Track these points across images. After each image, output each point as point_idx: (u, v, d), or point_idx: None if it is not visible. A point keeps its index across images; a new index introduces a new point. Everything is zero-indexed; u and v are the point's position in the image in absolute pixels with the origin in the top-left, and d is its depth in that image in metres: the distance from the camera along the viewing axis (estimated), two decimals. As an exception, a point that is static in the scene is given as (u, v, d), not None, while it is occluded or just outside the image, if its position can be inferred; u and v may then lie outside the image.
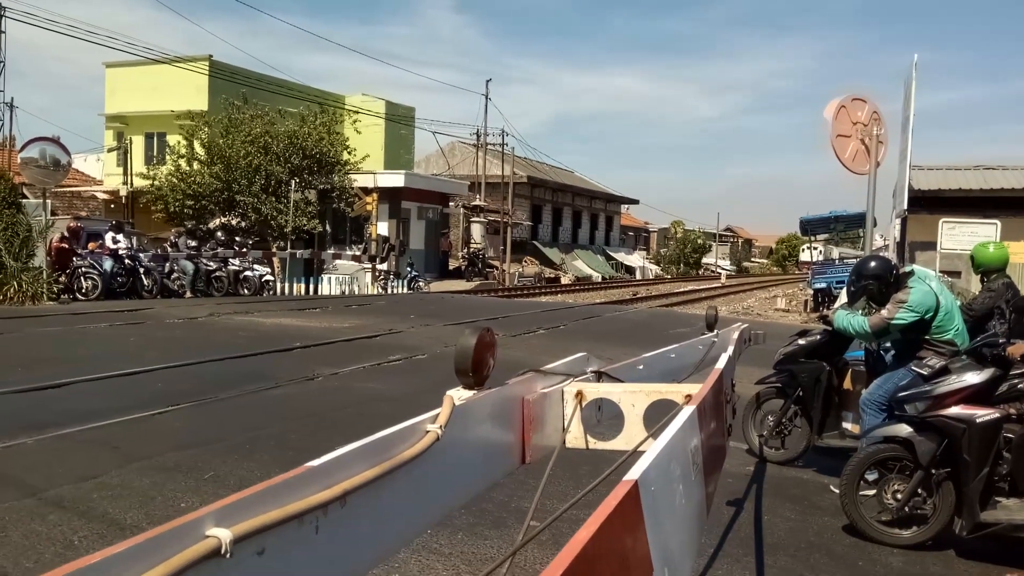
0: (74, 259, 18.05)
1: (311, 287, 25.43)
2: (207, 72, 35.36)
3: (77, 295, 17.63)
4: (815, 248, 75.50)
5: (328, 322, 14.47)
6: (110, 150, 38.88)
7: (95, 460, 5.57)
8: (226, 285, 21.74)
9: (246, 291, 22.05)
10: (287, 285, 24.85)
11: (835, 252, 72.99)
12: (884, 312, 5.77)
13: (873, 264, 6.17)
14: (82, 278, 17.84)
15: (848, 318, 6.05)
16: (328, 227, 33.58)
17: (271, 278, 23.50)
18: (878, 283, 5.93)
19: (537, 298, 32.22)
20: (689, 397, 2.46)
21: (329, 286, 26.27)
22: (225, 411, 7.35)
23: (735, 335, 4.65)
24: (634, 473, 1.49)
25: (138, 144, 37.68)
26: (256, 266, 23.12)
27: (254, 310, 16.12)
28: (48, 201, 18.08)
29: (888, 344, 6.20)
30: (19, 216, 16.06)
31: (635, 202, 77.23)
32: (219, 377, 8.70)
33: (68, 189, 34.60)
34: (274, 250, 27.07)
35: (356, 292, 26.20)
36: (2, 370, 8.54)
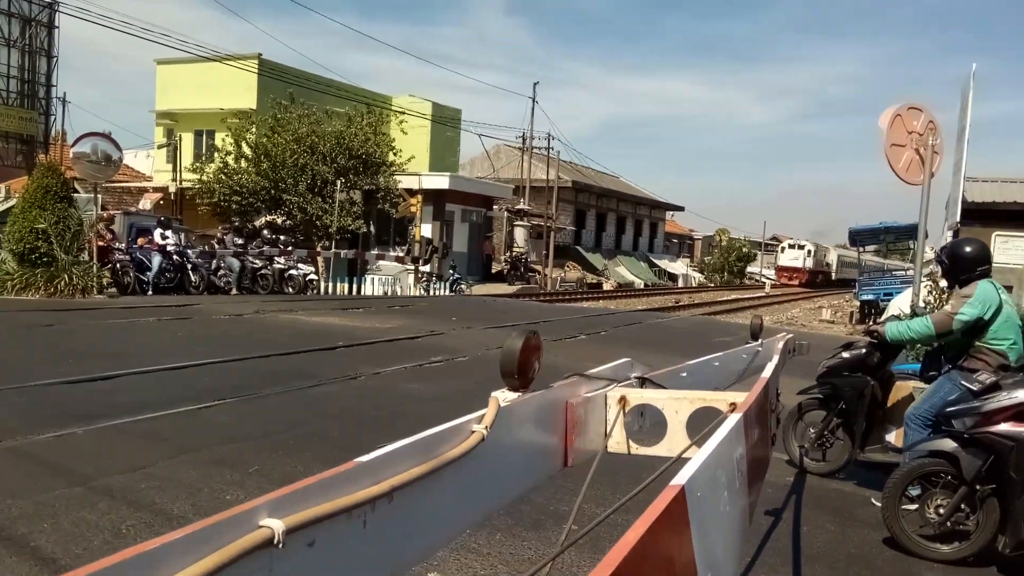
0: (115, 254, 18.35)
1: (354, 287, 25.67)
2: (256, 70, 35.83)
3: (130, 288, 17.95)
4: (801, 247, 69.25)
5: (371, 322, 14.60)
6: (160, 146, 39.60)
7: (143, 451, 5.69)
8: (271, 283, 22.08)
9: (290, 289, 22.35)
10: (331, 284, 25.09)
11: (832, 255, 67.78)
12: (948, 307, 5.69)
13: (969, 248, 5.80)
14: (120, 273, 18.07)
15: (904, 325, 5.93)
16: (372, 228, 33.85)
17: (315, 277, 23.78)
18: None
19: (579, 303, 32.17)
20: (733, 405, 2.45)
21: (372, 286, 26.51)
22: (270, 407, 7.46)
23: (780, 345, 4.61)
24: (681, 478, 1.50)
25: (187, 141, 38.35)
26: (300, 265, 23.42)
27: (298, 308, 16.32)
28: (99, 196, 18.41)
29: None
30: (70, 210, 16.34)
31: (680, 209, 76.64)
32: (264, 374, 8.82)
33: (118, 185, 35.28)
34: (318, 249, 27.36)
35: (398, 293, 26.39)
36: (53, 361, 8.76)
